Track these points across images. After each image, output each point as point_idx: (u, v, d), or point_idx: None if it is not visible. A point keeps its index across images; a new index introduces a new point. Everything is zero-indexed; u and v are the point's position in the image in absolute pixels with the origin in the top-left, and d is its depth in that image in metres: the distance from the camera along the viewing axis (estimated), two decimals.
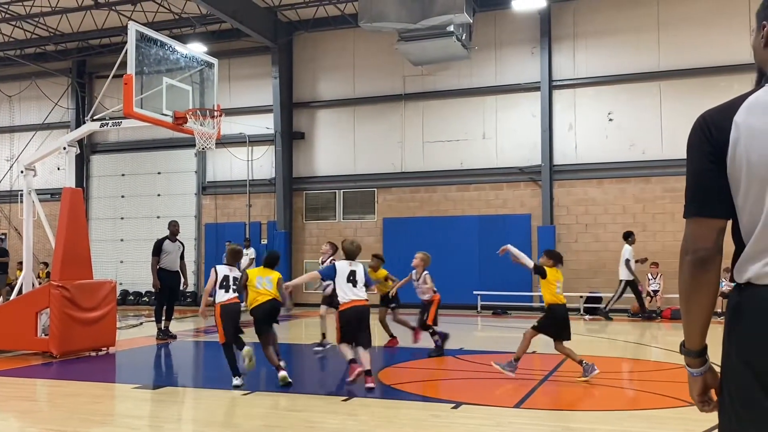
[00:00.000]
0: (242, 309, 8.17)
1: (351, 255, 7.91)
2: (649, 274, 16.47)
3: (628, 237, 15.78)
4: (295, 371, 9.02)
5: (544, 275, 7.92)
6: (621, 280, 15.63)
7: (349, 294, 7.64)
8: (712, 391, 2.11)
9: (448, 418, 6.21)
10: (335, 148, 20.80)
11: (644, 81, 17.73)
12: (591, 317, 16.57)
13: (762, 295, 1.92)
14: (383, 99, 20.19)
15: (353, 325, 7.63)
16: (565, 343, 8.07)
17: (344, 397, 7.07)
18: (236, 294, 7.94)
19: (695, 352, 2.08)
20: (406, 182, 19.90)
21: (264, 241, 20.96)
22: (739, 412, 1.95)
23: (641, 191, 17.69)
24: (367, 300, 7.82)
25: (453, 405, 6.64)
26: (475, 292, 18.00)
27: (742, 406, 1.94)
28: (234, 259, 8.17)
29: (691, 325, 2.07)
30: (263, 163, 21.29)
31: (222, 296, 7.82)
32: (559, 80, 18.52)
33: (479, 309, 17.78)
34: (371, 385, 7.42)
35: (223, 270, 7.94)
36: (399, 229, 19.70)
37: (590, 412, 6.53)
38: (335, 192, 20.74)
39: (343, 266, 7.79)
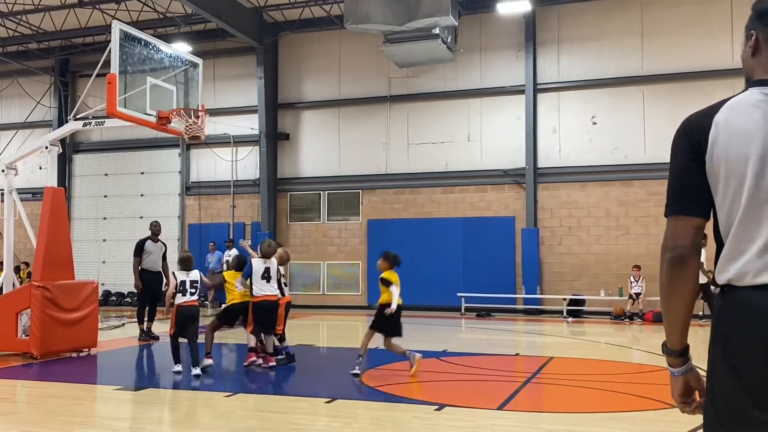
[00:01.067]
0: (214, 308, 8.81)
1: (267, 255, 9.02)
2: (632, 277, 16.59)
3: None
4: (277, 373, 9.00)
5: (389, 285, 8.29)
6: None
7: (264, 289, 8.82)
8: (698, 392, 2.10)
9: (430, 420, 6.22)
10: (320, 149, 20.78)
11: (628, 85, 17.88)
12: (573, 320, 16.67)
13: (743, 299, 1.92)
14: (368, 100, 20.20)
15: (262, 316, 8.82)
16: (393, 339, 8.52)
17: (327, 399, 7.06)
18: (194, 297, 8.79)
19: (676, 352, 2.09)
20: (390, 184, 19.93)
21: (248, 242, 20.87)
22: (723, 418, 1.94)
23: (624, 194, 17.83)
24: (276, 295, 8.96)
25: (436, 407, 6.65)
26: (459, 294, 18.03)
27: (728, 411, 1.93)
28: (187, 265, 8.97)
29: (671, 325, 2.08)
30: (248, 163, 21.22)
31: (179, 299, 8.71)
32: (544, 83, 18.63)
33: (463, 311, 17.82)
34: (273, 363, 8.90)
35: (180, 276, 8.80)
36: (383, 230, 19.71)
37: (572, 414, 6.56)
38: (320, 193, 20.72)
39: (258, 264, 8.93)
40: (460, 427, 6.07)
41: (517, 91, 18.78)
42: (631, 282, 16.56)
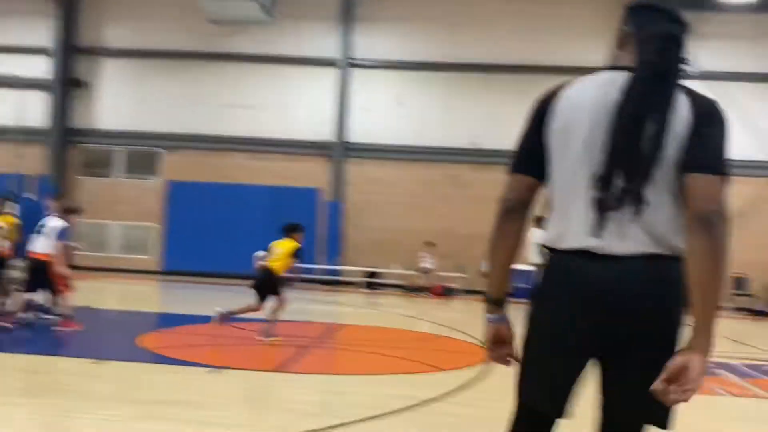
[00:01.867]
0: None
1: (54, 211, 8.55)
2: (423, 253, 17.30)
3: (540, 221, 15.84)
4: (44, 332, 8.32)
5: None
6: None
7: (33, 246, 8.24)
8: (505, 345, 2.19)
9: (202, 382, 6.02)
10: (120, 102, 19.43)
11: (434, 71, 18.58)
12: (370, 291, 17.15)
13: (560, 261, 2.06)
14: (178, 55, 19.21)
15: (28, 273, 8.28)
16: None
17: (94, 360, 6.58)
18: None
19: (494, 300, 2.20)
20: (196, 144, 19.15)
21: (31, 196, 19.04)
22: (532, 372, 2.09)
23: (423, 175, 18.57)
24: (45, 255, 8.13)
25: (213, 368, 6.45)
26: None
27: (538, 359, 2.08)
28: None
29: (493, 272, 2.20)
30: (36, 110, 19.27)
31: None
32: (357, 59, 18.80)
33: None
34: (8, 325, 8.03)
35: None
36: (186, 193, 18.92)
37: (354, 376, 6.69)
38: (117, 148, 19.41)
39: (44, 221, 8.41)
40: (236, 387, 5.95)
41: (331, 63, 18.79)
42: (423, 257, 17.29)
